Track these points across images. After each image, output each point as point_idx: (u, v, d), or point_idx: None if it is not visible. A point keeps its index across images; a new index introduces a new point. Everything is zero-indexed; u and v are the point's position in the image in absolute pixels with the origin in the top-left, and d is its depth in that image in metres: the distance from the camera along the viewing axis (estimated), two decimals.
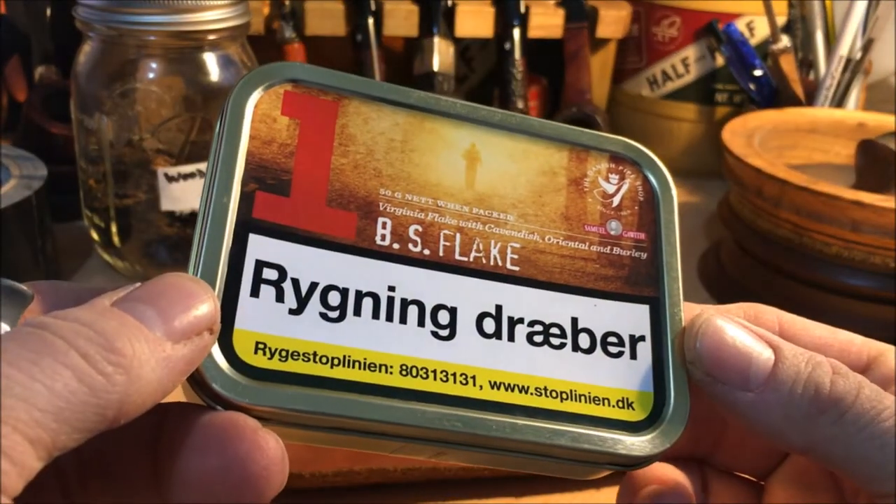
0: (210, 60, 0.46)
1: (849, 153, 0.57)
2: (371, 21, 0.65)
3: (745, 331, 0.22)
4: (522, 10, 0.67)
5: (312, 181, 0.21)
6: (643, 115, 0.75)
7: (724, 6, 0.69)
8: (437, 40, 0.65)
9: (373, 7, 0.65)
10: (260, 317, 0.19)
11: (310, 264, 0.20)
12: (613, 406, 0.21)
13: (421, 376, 0.20)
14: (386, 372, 0.20)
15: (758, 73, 0.67)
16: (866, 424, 0.20)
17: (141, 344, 0.16)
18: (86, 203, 0.50)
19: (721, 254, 0.56)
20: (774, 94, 0.67)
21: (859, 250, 0.45)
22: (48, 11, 0.62)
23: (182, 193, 0.47)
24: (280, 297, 0.20)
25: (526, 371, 0.21)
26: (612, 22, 0.70)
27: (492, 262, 0.22)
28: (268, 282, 0.20)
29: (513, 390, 0.21)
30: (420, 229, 0.22)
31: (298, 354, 0.19)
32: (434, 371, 0.20)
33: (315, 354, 0.19)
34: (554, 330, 0.22)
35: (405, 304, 0.21)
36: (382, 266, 0.21)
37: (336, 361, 0.19)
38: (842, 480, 0.24)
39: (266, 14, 0.64)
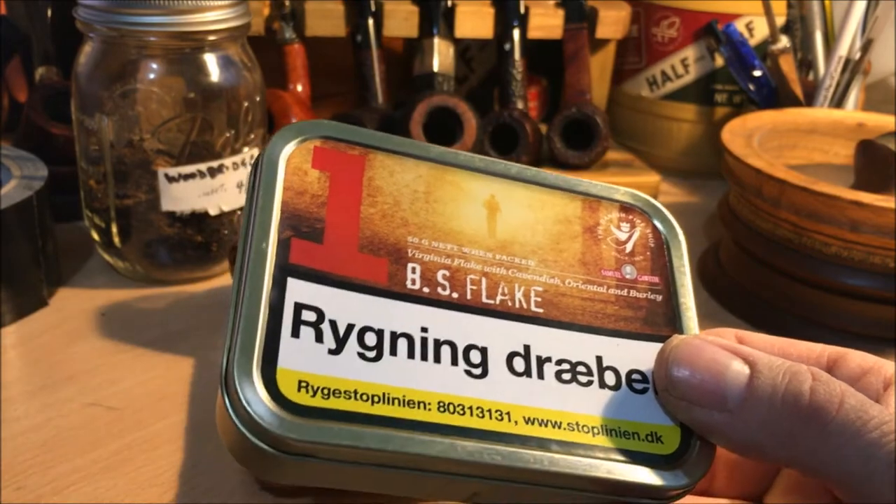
0: (210, 61, 0.46)
1: (848, 153, 0.58)
2: (371, 21, 0.65)
3: (718, 348, 0.22)
4: (522, 10, 0.67)
5: (344, 229, 0.22)
6: (643, 115, 0.75)
7: (724, 6, 0.69)
8: (436, 41, 0.65)
9: (373, 8, 0.65)
10: (301, 356, 0.20)
11: (346, 307, 0.21)
12: (643, 440, 0.22)
13: (458, 412, 0.21)
14: (425, 408, 0.20)
15: (757, 73, 0.67)
16: (851, 437, 0.20)
17: None
18: (86, 203, 0.50)
19: (721, 254, 0.56)
20: (774, 95, 0.67)
21: (858, 250, 0.45)
22: (49, 12, 0.62)
23: (182, 194, 0.47)
24: (319, 338, 0.20)
25: (558, 407, 0.22)
26: (612, 22, 0.70)
27: (517, 305, 0.23)
28: (307, 323, 0.20)
29: (547, 425, 0.21)
30: (448, 274, 0.23)
31: (340, 392, 0.20)
32: (470, 408, 0.21)
33: (356, 392, 0.20)
34: (581, 368, 0.23)
35: (438, 344, 0.21)
36: (414, 308, 0.22)
37: (376, 399, 0.20)
38: None
39: (266, 15, 0.64)
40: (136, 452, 0.36)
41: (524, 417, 0.21)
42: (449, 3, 0.66)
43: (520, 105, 0.67)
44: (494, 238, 0.24)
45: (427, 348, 0.21)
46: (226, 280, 0.51)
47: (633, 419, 0.22)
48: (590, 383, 0.22)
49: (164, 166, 0.46)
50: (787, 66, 0.65)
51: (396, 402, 0.20)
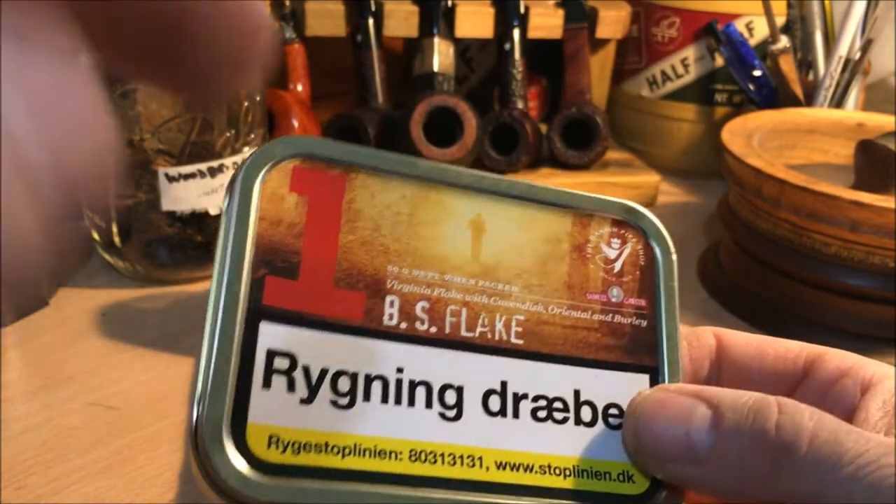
0: None
1: (848, 153, 0.58)
2: (371, 21, 0.65)
3: (681, 398, 0.21)
4: (522, 10, 0.67)
5: (321, 261, 0.21)
6: (643, 115, 0.75)
7: (724, 6, 0.69)
8: (437, 41, 0.65)
9: (373, 7, 0.65)
10: (272, 409, 0.19)
11: (319, 350, 0.20)
12: (614, 480, 0.22)
13: (429, 461, 0.20)
14: (396, 459, 0.20)
15: (757, 73, 0.67)
16: (827, 472, 0.19)
17: None
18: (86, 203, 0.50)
19: (720, 254, 0.56)
20: (774, 95, 0.67)
21: (858, 250, 0.45)
22: None
23: (183, 194, 0.47)
24: (291, 387, 0.20)
25: (530, 449, 0.21)
26: (612, 22, 0.70)
27: (497, 337, 0.22)
28: (279, 371, 0.20)
29: (518, 469, 0.21)
30: (427, 306, 0.22)
31: (310, 446, 0.19)
32: (442, 455, 0.20)
33: (326, 445, 0.19)
34: (557, 404, 0.22)
35: (413, 385, 0.21)
36: (390, 347, 0.21)
37: (347, 451, 0.20)
38: None
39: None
40: (137, 452, 0.36)
41: (496, 462, 0.21)
42: (449, 3, 0.66)
43: (520, 105, 0.67)
44: (478, 262, 0.23)
45: (401, 391, 0.21)
46: None
47: (606, 458, 0.22)
48: (565, 420, 0.22)
49: (164, 166, 0.46)
50: (787, 66, 0.65)
51: (367, 453, 0.20)
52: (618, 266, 0.24)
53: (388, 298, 0.21)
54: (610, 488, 0.22)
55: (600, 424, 0.22)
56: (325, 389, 0.20)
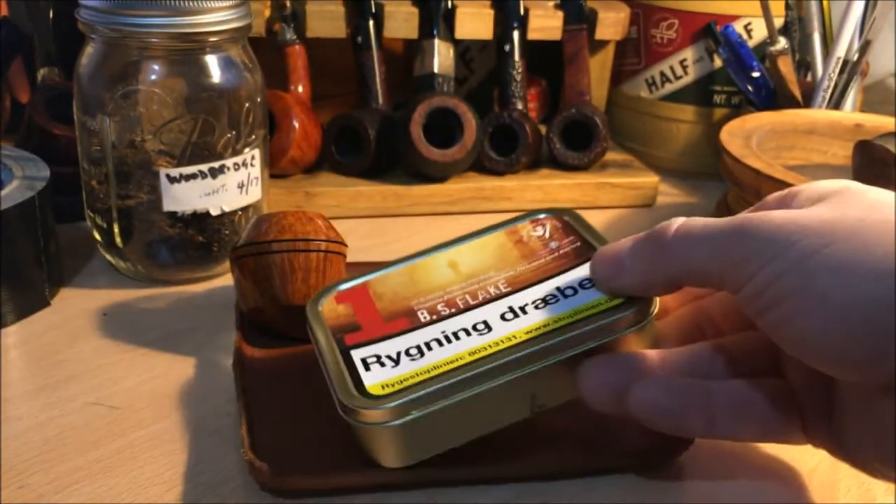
0: (212, 62, 0.46)
1: (846, 154, 0.58)
2: (371, 23, 0.65)
3: (619, 242, 0.33)
4: (522, 11, 0.67)
5: (371, 318, 0.36)
6: (642, 116, 0.75)
7: (723, 8, 0.69)
8: (437, 42, 0.66)
9: (373, 9, 0.65)
10: (377, 376, 0.32)
11: (391, 346, 0.34)
12: (608, 303, 0.33)
13: (485, 351, 0.32)
14: (462, 360, 0.32)
15: (755, 74, 0.67)
16: (689, 248, 0.30)
17: None
18: (88, 204, 0.50)
19: None
20: (772, 96, 0.67)
21: None
22: (51, 13, 0.62)
23: (184, 194, 0.47)
24: (383, 365, 0.33)
25: (545, 318, 0.33)
26: (611, 24, 0.71)
27: (493, 294, 0.35)
28: (372, 363, 0.33)
29: (545, 328, 0.33)
30: (444, 303, 0.35)
31: (408, 378, 0.32)
32: (488, 346, 0.32)
33: (417, 374, 0.32)
34: (549, 297, 0.34)
35: (455, 333, 0.34)
36: (432, 327, 0.34)
37: (433, 370, 0.32)
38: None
39: (267, 16, 0.64)
40: (138, 451, 0.36)
41: (526, 331, 0.33)
42: (449, 5, 0.66)
43: (519, 106, 0.67)
44: (462, 276, 0.37)
45: (450, 338, 0.33)
46: (226, 280, 0.51)
47: (592, 300, 0.33)
48: (558, 300, 0.34)
49: (165, 167, 0.47)
50: (786, 67, 0.65)
51: (444, 366, 0.32)
52: (547, 234, 0.38)
53: (419, 311, 0.35)
54: (603, 308, 0.33)
55: (582, 290, 0.34)
56: (403, 357, 0.33)
